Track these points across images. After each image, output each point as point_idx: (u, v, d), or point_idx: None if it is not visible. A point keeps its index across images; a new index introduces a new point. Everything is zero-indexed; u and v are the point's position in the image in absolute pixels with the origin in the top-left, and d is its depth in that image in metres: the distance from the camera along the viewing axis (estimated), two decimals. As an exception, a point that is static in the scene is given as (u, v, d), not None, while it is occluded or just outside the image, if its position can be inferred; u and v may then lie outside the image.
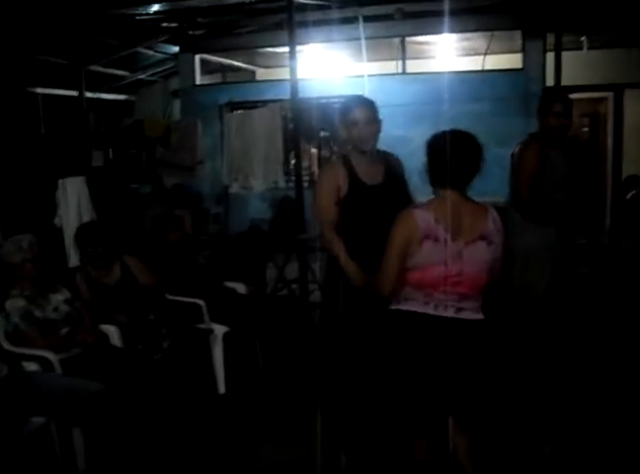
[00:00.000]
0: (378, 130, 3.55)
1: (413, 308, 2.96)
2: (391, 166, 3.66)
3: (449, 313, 2.93)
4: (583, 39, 9.59)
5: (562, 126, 4.48)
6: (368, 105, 3.55)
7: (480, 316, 3.00)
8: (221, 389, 4.96)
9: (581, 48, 9.67)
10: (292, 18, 7.07)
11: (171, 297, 4.99)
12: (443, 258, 2.86)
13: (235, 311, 5.27)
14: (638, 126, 9.85)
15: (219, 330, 5.01)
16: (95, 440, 3.76)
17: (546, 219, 4.48)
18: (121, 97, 11.70)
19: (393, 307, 3.02)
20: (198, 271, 5.49)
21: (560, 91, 4.84)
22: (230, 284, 5.63)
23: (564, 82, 8.58)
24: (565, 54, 8.65)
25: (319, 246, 6.78)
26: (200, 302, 5.01)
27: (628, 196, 8.33)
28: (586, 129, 11.22)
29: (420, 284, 2.93)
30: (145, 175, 8.82)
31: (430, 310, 2.93)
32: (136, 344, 4.42)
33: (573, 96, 7.17)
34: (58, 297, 4.23)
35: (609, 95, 10.02)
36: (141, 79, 11.63)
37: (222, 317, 5.09)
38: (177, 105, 11.23)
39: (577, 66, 9.07)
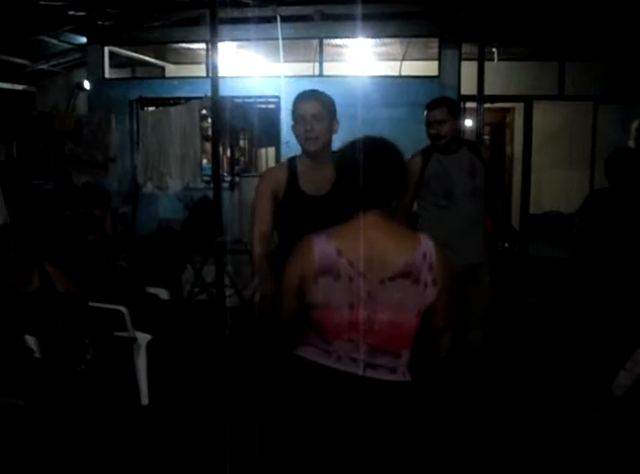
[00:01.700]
0: (328, 130, 3.19)
1: (312, 357, 2.33)
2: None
3: (356, 370, 2.28)
4: (494, 50, 9.83)
5: (434, 136, 4.35)
6: (314, 98, 3.18)
7: (399, 377, 2.33)
8: (144, 400, 4.71)
9: (492, 59, 9.91)
10: (215, 13, 6.87)
11: (93, 304, 4.68)
12: (347, 299, 2.24)
13: (158, 318, 5.03)
14: (544, 136, 10.18)
15: (143, 338, 4.76)
16: (16, 457, 3.48)
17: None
18: (19, 87, 11.10)
19: (293, 351, 2.41)
20: (119, 275, 5.20)
21: (439, 99, 4.73)
22: (152, 290, 5.37)
23: (472, 91, 8.71)
24: (474, 64, 8.81)
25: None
26: (123, 309, 4.73)
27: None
28: (486, 137, 11.48)
29: (318, 327, 2.31)
30: (52, 171, 8.33)
31: (330, 362, 2.29)
32: (56, 355, 4.11)
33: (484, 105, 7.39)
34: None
35: (517, 105, 10.32)
36: (42, 69, 11.05)
37: (145, 324, 4.84)
38: (81, 98, 10.75)
39: (488, 76, 9.28)
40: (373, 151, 2.31)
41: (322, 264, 2.25)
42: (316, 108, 3.17)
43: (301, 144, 3.23)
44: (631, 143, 9.53)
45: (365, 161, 2.27)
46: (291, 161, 3.31)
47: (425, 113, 4.32)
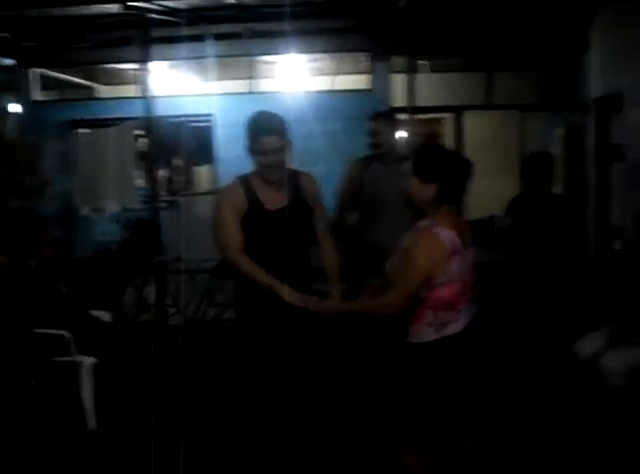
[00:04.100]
0: (286, 154, 3.34)
1: (454, 330, 2.97)
2: (300, 187, 3.50)
3: (461, 327, 2.99)
4: (424, 62, 10.04)
5: (373, 145, 4.64)
6: (274, 133, 3.26)
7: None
8: (92, 425, 4.63)
9: (423, 72, 10.12)
10: (147, 34, 6.87)
11: (35, 330, 4.60)
12: (464, 271, 2.97)
13: (102, 341, 4.96)
14: (476, 145, 10.43)
15: (87, 362, 4.69)
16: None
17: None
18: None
19: (432, 338, 2.95)
20: (60, 299, 5.11)
21: (378, 112, 5.01)
22: (94, 313, 5.30)
23: (405, 103, 8.89)
24: (404, 77, 8.99)
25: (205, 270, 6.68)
26: (66, 333, 4.65)
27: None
28: (420, 148, 11.69)
29: (451, 301, 2.93)
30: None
31: (461, 326, 2.99)
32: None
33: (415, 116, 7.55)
34: None
35: (448, 116, 10.55)
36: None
37: (89, 348, 4.77)
38: (10, 121, 10.51)
39: (418, 88, 9.48)
40: (455, 156, 3.09)
41: (451, 245, 2.88)
42: (277, 142, 3.29)
43: (264, 172, 3.34)
44: (556, 148, 9.88)
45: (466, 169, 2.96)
46: (245, 179, 3.41)
47: (368, 124, 4.62)
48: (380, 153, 4.60)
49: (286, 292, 3.20)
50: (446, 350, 2.97)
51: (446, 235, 2.89)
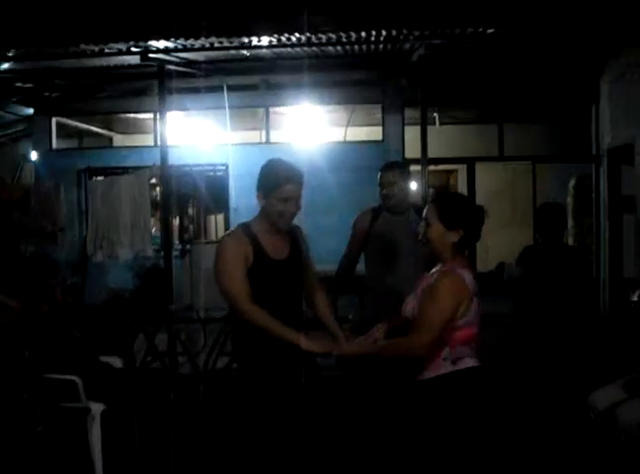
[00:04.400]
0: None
1: (469, 364, 3.07)
2: (296, 238, 3.51)
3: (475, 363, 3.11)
4: (435, 114, 10.17)
5: (386, 196, 4.63)
6: (300, 181, 3.30)
7: None
8: (99, 472, 4.60)
9: (433, 123, 10.24)
10: (164, 84, 7.00)
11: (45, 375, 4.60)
12: (479, 312, 3.10)
13: (112, 387, 4.94)
14: (487, 197, 10.48)
15: (97, 409, 4.66)
16: None
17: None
18: (-38, 159, 11.03)
19: (449, 370, 3.04)
20: (72, 345, 5.12)
21: (392, 162, 5.06)
22: (105, 359, 5.30)
23: (415, 155, 8.91)
24: (416, 129, 9.08)
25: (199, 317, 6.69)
26: (77, 379, 4.64)
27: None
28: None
29: (468, 340, 3.05)
30: (-2, 242, 8.22)
31: (476, 362, 3.09)
32: (8, 425, 4.02)
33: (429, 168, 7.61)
34: None
35: (460, 167, 10.63)
36: (-14, 141, 11.03)
37: (99, 394, 4.76)
38: (28, 168, 10.70)
39: (430, 140, 9.58)
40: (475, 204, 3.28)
41: (472, 288, 3.03)
42: (299, 191, 3.31)
43: (277, 220, 3.32)
44: (568, 199, 9.90)
45: (472, 213, 3.16)
46: (247, 228, 3.38)
47: (379, 174, 4.61)
48: (391, 204, 4.63)
49: (308, 343, 3.18)
50: (464, 382, 3.04)
51: (469, 278, 3.04)
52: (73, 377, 4.63)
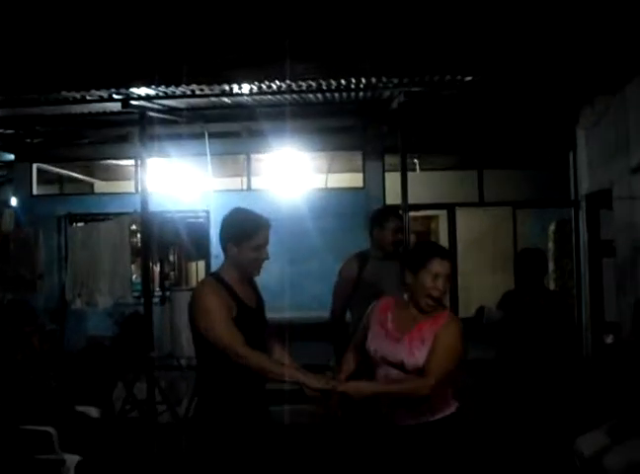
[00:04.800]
0: None
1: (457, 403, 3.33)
2: (256, 286, 3.50)
3: None
4: (415, 160, 10.27)
5: (397, 242, 4.73)
6: (269, 225, 3.32)
7: None
8: (73, 527, 4.48)
9: (414, 170, 10.33)
10: (145, 131, 7.02)
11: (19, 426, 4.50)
12: None
13: (88, 438, 4.85)
14: (468, 242, 10.54)
15: (71, 460, 4.56)
16: None
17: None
18: (-59, 205, 10.92)
19: (451, 411, 3.27)
20: (47, 394, 5.02)
21: (394, 208, 5.15)
22: (81, 408, 5.19)
23: (396, 201, 8.98)
24: (397, 175, 9.13)
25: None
26: (51, 430, 4.55)
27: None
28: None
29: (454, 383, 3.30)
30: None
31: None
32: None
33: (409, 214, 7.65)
34: None
35: (441, 213, 10.70)
36: (-34, 188, 10.97)
37: (74, 445, 4.66)
38: (8, 214, 10.62)
39: (411, 186, 9.64)
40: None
41: None
42: (268, 237, 3.32)
43: (252, 267, 3.32)
44: (550, 244, 9.96)
45: None
46: (219, 278, 3.33)
47: (386, 221, 4.71)
48: (392, 249, 4.69)
49: (314, 380, 3.14)
50: (464, 419, 3.32)
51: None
52: (47, 428, 4.54)
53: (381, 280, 4.57)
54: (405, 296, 3.34)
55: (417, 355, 3.18)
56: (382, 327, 3.35)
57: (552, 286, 9.60)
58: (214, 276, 3.36)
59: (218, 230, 3.32)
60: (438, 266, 3.20)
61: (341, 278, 4.79)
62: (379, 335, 3.34)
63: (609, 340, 6.27)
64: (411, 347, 3.21)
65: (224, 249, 3.31)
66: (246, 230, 3.24)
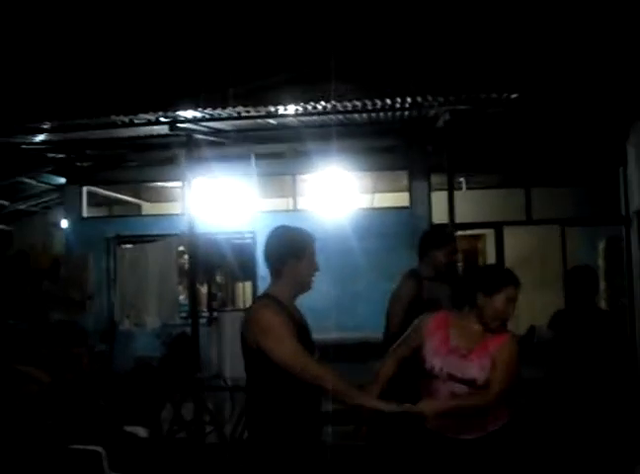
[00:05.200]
0: None
1: None
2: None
3: None
4: (461, 179, 10.19)
5: (451, 263, 4.68)
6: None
7: None
8: None
9: (460, 188, 10.25)
10: (191, 153, 7.12)
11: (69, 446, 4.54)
12: None
13: (136, 458, 4.86)
14: (516, 260, 10.39)
15: (121, 480, 4.60)
16: None
17: None
18: (-3, 227, 11.23)
19: (504, 422, 3.42)
20: (97, 414, 5.07)
21: (436, 230, 5.10)
22: (130, 428, 5.22)
23: (442, 220, 8.91)
24: (443, 194, 9.07)
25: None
26: (100, 450, 4.58)
27: None
28: (460, 264, 11.67)
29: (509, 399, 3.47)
30: (27, 310, 8.28)
31: None
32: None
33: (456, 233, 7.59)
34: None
35: (488, 232, 10.57)
36: (21, 209, 11.21)
37: (123, 465, 4.68)
38: (59, 236, 10.86)
39: (457, 205, 9.57)
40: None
41: None
42: None
43: (309, 280, 3.29)
44: (600, 262, 9.76)
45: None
46: (274, 298, 3.24)
47: (442, 242, 4.74)
48: (445, 270, 4.67)
49: (389, 405, 3.15)
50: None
51: None
52: (97, 448, 4.57)
53: (434, 300, 4.53)
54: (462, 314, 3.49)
55: (487, 371, 3.31)
56: (444, 343, 3.40)
57: (604, 305, 9.40)
58: (269, 297, 3.27)
59: (267, 252, 3.28)
60: (512, 292, 3.41)
61: (400, 296, 4.73)
62: (441, 351, 3.39)
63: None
64: (481, 363, 3.32)
65: (281, 268, 3.23)
66: (303, 242, 3.24)
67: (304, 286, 3.30)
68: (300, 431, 3.17)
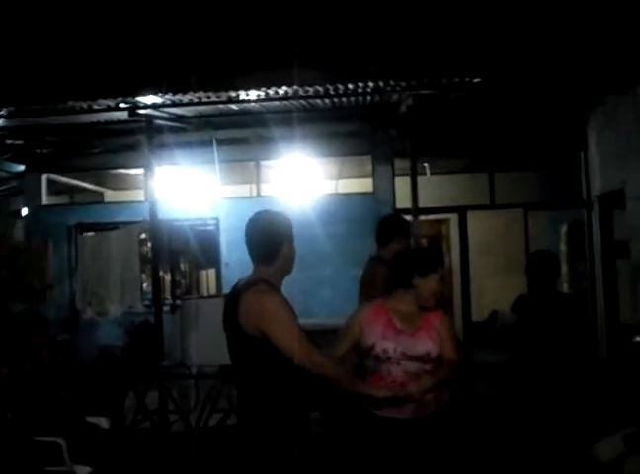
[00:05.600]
0: None
1: None
2: None
3: None
4: (425, 164, 10.20)
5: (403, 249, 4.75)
6: None
7: None
8: None
9: (423, 173, 10.26)
10: (152, 139, 7.02)
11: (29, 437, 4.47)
12: None
13: (98, 449, 4.81)
14: (480, 245, 10.47)
15: (82, 472, 4.53)
16: None
17: None
18: (-47, 217, 10.99)
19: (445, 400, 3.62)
20: (57, 405, 4.99)
21: (398, 217, 5.13)
22: (92, 419, 5.16)
23: (406, 205, 8.89)
24: (407, 179, 9.05)
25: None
26: (61, 441, 4.51)
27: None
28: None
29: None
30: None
31: None
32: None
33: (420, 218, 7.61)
34: None
35: (452, 217, 10.63)
36: (-23, 198, 11.01)
37: (85, 456, 4.62)
38: (19, 225, 10.65)
39: (421, 190, 9.59)
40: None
41: None
42: None
43: (293, 263, 3.25)
44: (562, 246, 9.88)
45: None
46: (270, 284, 3.16)
47: (405, 229, 5.13)
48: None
49: (381, 390, 3.35)
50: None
51: None
52: (57, 439, 4.50)
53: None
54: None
55: (437, 343, 3.52)
56: (390, 326, 3.53)
57: (566, 289, 9.52)
58: (265, 283, 3.15)
59: (255, 238, 3.18)
60: (441, 271, 3.63)
61: (374, 282, 4.83)
62: (389, 333, 3.51)
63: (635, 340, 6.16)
64: (430, 336, 3.53)
65: (276, 252, 3.15)
66: (290, 225, 3.23)
67: (291, 269, 3.27)
68: (296, 417, 3.16)
